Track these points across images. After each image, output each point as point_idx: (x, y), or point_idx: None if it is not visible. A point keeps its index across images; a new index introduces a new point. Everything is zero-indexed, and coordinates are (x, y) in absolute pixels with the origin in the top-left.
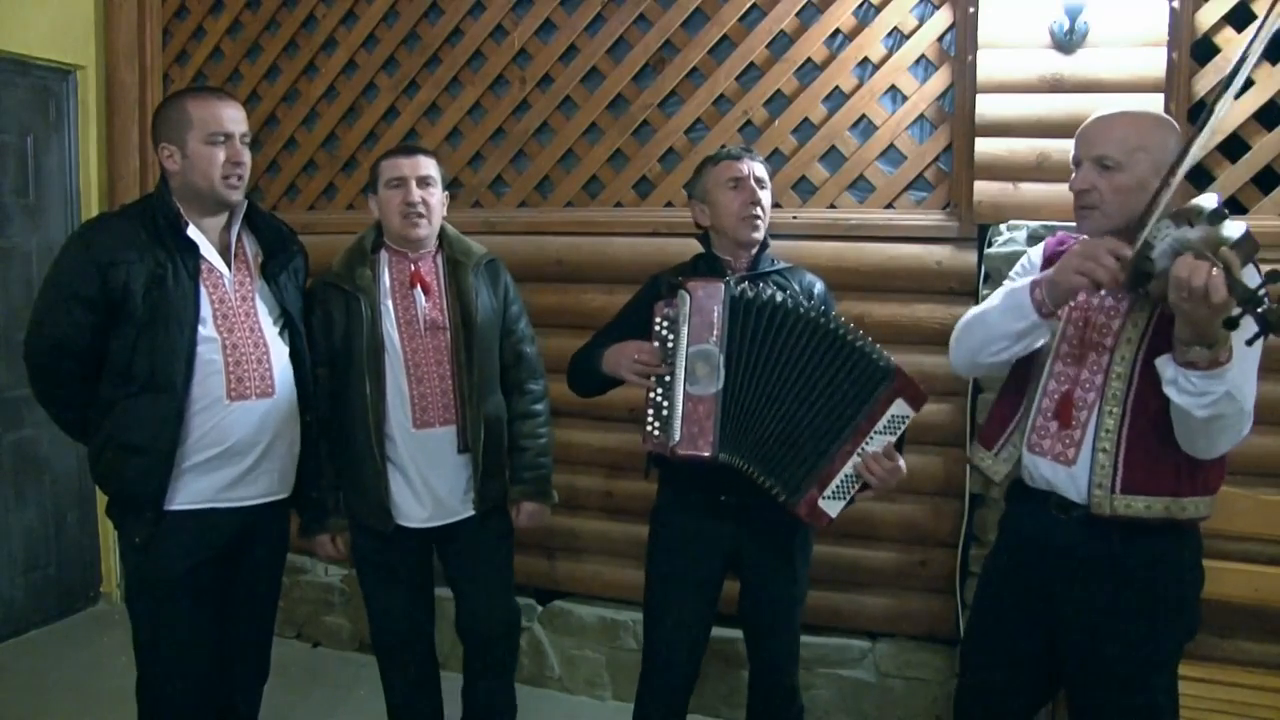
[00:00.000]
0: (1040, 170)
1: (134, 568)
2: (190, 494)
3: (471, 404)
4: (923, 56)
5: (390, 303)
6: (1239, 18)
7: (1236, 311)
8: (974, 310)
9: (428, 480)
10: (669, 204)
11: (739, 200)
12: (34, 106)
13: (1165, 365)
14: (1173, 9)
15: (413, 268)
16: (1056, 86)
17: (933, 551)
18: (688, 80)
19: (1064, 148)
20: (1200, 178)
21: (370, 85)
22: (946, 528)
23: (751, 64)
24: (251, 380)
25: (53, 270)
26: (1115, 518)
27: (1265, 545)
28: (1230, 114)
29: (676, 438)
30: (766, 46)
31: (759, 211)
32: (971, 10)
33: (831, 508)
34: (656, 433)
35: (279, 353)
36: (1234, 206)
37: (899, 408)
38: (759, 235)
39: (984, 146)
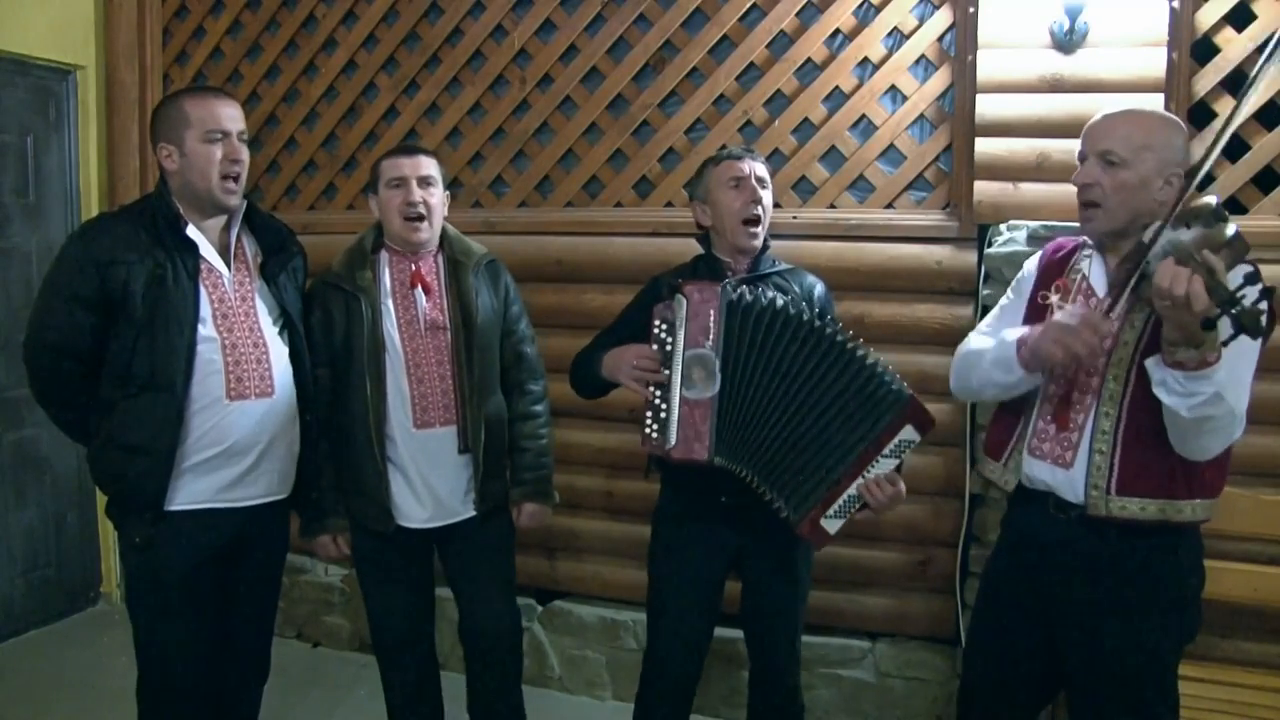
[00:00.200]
0: (1040, 170)
1: (134, 568)
2: (190, 494)
3: (472, 404)
4: (923, 56)
5: (391, 303)
6: (1239, 18)
7: (1215, 313)
8: (970, 344)
9: (428, 481)
10: (669, 204)
11: (740, 200)
12: (34, 106)
13: (1154, 366)
14: (1173, 9)
15: (413, 268)
16: (1056, 86)
17: (933, 551)
18: (688, 80)
19: (1064, 148)
20: (1201, 178)
21: (370, 85)
22: (947, 528)
23: (751, 64)
24: (251, 380)
25: (52, 270)
26: (1111, 519)
27: (1265, 545)
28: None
29: (673, 441)
30: (766, 46)
31: (760, 211)
32: (971, 10)
33: (832, 526)
34: (654, 435)
35: (278, 353)
36: (1234, 206)
37: (907, 432)
38: (757, 244)
39: (984, 146)
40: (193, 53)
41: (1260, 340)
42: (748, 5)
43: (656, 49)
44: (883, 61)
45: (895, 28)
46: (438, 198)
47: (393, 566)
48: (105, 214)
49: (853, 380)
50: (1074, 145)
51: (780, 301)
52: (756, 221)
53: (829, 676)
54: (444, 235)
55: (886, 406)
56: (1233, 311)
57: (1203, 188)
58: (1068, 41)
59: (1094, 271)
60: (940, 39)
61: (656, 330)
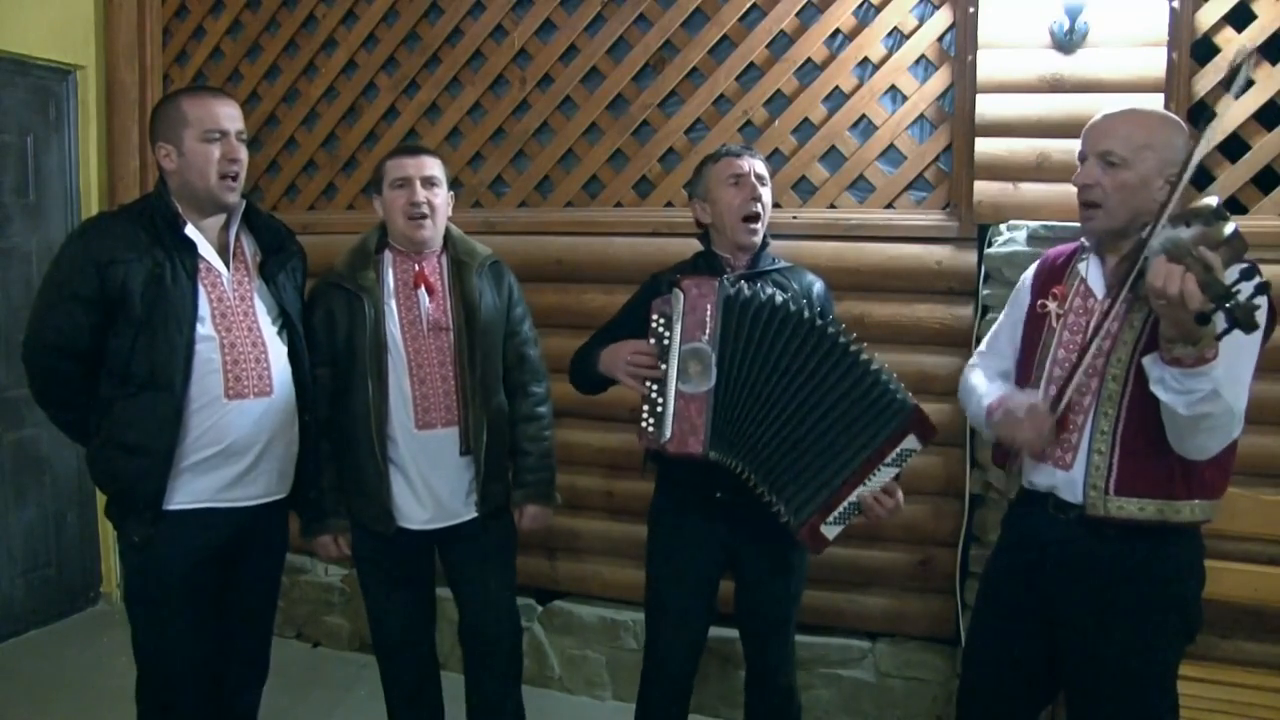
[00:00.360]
0: (1040, 170)
1: (133, 567)
2: (189, 493)
3: (474, 405)
4: (923, 56)
5: (394, 303)
6: (1239, 18)
7: (1210, 308)
8: (969, 377)
9: (429, 482)
10: (669, 204)
11: (740, 197)
12: (34, 106)
13: (1152, 364)
14: (1173, 9)
15: (416, 268)
16: (1056, 86)
17: (933, 551)
18: (688, 80)
19: (1064, 148)
20: (1200, 178)
21: (370, 85)
22: (947, 528)
23: (751, 64)
24: (249, 379)
25: (51, 270)
26: (1110, 519)
27: (1265, 545)
28: (1230, 114)
29: (668, 434)
30: (766, 46)
31: (759, 208)
32: (971, 10)
33: (831, 532)
34: (650, 429)
35: (277, 352)
36: (1234, 206)
37: (909, 442)
38: (757, 240)
39: (984, 146)
40: (193, 53)
41: (1261, 336)
42: (748, 5)
43: (656, 49)
44: (883, 61)
45: (895, 28)
46: (441, 198)
47: (393, 567)
48: (104, 213)
49: (855, 384)
50: (1074, 145)
51: (779, 298)
52: (756, 218)
53: (829, 676)
54: (448, 235)
55: (890, 415)
56: (1227, 306)
57: (1202, 187)
58: (1068, 41)
59: (1091, 273)
60: (940, 39)
61: (654, 325)
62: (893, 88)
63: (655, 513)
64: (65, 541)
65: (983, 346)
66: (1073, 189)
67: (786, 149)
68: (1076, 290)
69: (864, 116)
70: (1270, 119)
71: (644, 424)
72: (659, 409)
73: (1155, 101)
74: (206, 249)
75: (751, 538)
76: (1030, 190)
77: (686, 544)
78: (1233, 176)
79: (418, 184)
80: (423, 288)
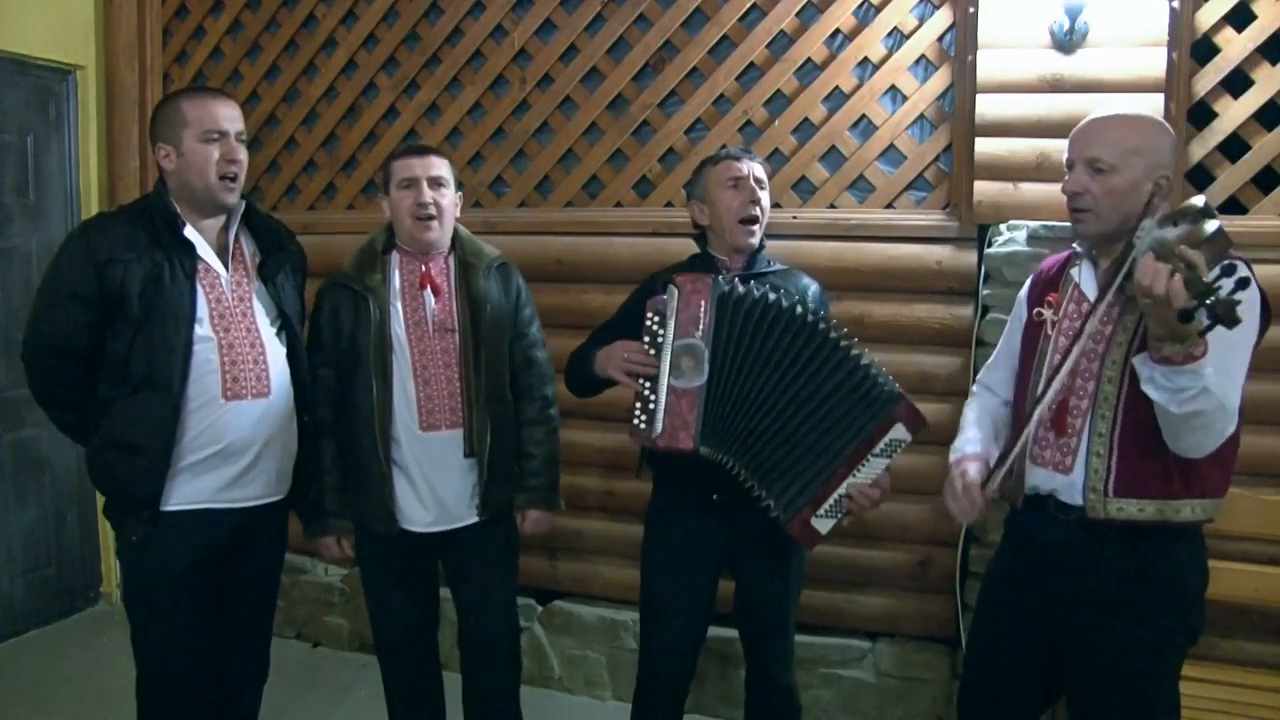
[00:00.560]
0: (1040, 170)
1: (132, 567)
2: (187, 494)
3: (479, 407)
4: (923, 56)
5: (399, 304)
6: (1239, 18)
7: (1192, 305)
8: (967, 406)
9: (432, 484)
10: (669, 204)
11: (739, 199)
12: (34, 106)
13: (1142, 363)
14: (1173, 9)
15: (423, 269)
16: (1056, 86)
17: (933, 551)
18: (688, 80)
19: (1064, 148)
20: (1200, 178)
21: (370, 85)
22: (946, 528)
23: (751, 64)
24: (247, 380)
25: (51, 270)
26: (1110, 520)
27: (1265, 545)
28: (1230, 114)
29: (659, 430)
30: (766, 46)
31: (758, 211)
32: (971, 10)
33: (823, 526)
34: (642, 426)
35: (275, 353)
36: (1234, 206)
37: (897, 432)
38: (755, 242)
39: (984, 146)
40: (193, 53)
41: (1255, 332)
42: (748, 5)
43: (656, 49)
44: (883, 61)
45: (895, 28)
46: (449, 198)
47: (396, 569)
48: (104, 213)
49: (846, 378)
50: None
51: (772, 295)
52: (755, 221)
53: (829, 676)
54: (456, 236)
55: (878, 406)
56: (1208, 302)
57: (1202, 187)
58: (1068, 41)
59: (1084, 278)
60: (940, 39)
61: (649, 322)
62: (893, 88)
63: (652, 513)
64: (65, 541)
65: (988, 363)
66: None
67: (786, 149)
68: (1071, 296)
69: (864, 116)
70: (1270, 119)
71: (636, 420)
72: (651, 405)
73: (1155, 102)
74: (205, 249)
75: (749, 539)
76: (1030, 190)
77: (682, 544)
78: (1233, 176)
79: (424, 184)
80: (428, 288)
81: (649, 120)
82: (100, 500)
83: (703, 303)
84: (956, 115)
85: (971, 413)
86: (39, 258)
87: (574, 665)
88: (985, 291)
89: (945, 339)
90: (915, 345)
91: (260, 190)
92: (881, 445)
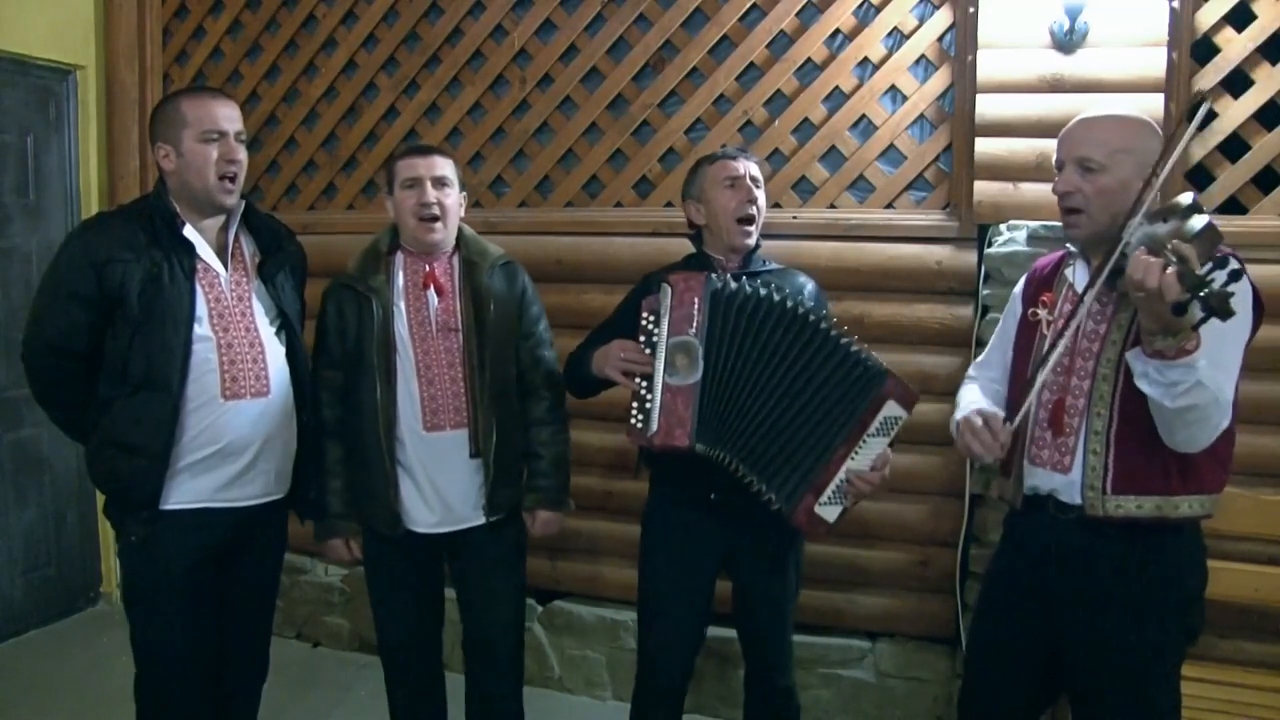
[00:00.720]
0: (1040, 170)
1: (131, 567)
2: (186, 493)
3: (483, 407)
4: (923, 56)
5: (403, 304)
6: (1239, 18)
7: (1185, 298)
8: (961, 391)
9: (437, 485)
10: (669, 204)
11: (735, 199)
12: (34, 106)
13: (1135, 358)
14: (1173, 9)
15: (427, 268)
16: (1056, 86)
17: (933, 551)
18: (688, 80)
19: None
20: (1201, 177)
21: (370, 85)
22: (946, 528)
23: (751, 64)
24: (246, 380)
25: (50, 270)
26: (1110, 518)
27: (1265, 545)
28: (1230, 114)
29: (655, 428)
30: (766, 46)
31: (755, 210)
32: (971, 10)
33: (829, 514)
34: (639, 425)
35: (275, 353)
36: (1234, 206)
37: (891, 409)
38: (751, 241)
39: (984, 146)
40: (193, 53)
41: (1247, 326)
42: (748, 5)
43: (656, 49)
44: (883, 61)
45: (895, 28)
46: (453, 198)
47: (401, 571)
48: (103, 213)
49: (838, 367)
50: None
51: (764, 290)
52: (751, 220)
53: (829, 676)
54: (460, 236)
55: (867, 386)
56: (1201, 295)
57: (1203, 187)
58: (1068, 41)
59: (1078, 277)
60: (940, 39)
61: (644, 322)
62: (893, 88)
63: (650, 513)
64: (65, 541)
65: (979, 359)
66: None
67: (786, 149)
68: (1065, 296)
69: (864, 116)
70: (1270, 119)
71: (633, 419)
72: (648, 404)
73: (1155, 102)
74: (204, 249)
75: (747, 538)
76: (1030, 190)
77: (680, 544)
78: (1233, 176)
79: (428, 184)
80: (431, 288)
81: (649, 120)
82: (100, 500)
83: (696, 300)
84: (956, 115)
85: (969, 392)
86: (39, 258)
87: (574, 665)
88: (985, 291)
89: (945, 339)
90: (915, 345)
91: (260, 190)
92: (876, 425)
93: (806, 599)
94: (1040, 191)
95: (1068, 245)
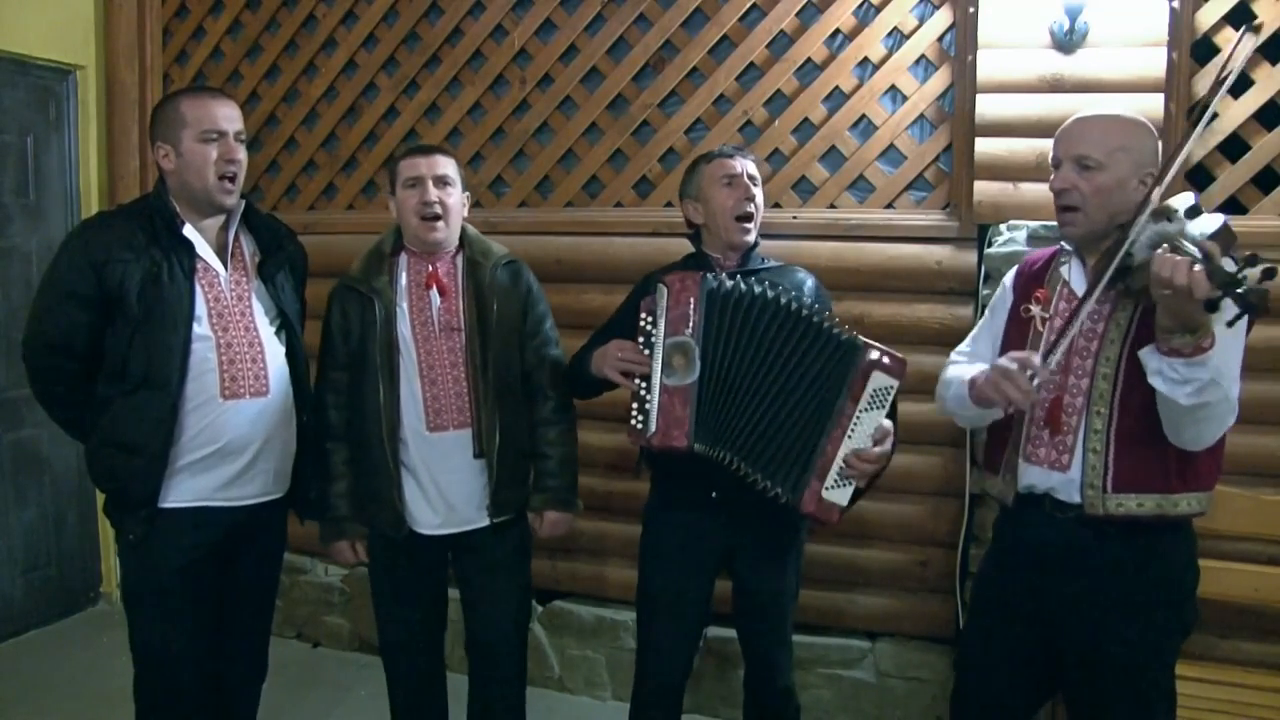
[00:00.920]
0: (1040, 170)
1: (131, 566)
2: (185, 492)
3: (487, 407)
4: (923, 56)
5: (405, 304)
6: (1239, 18)
7: (1217, 295)
8: (948, 371)
9: (440, 485)
10: (669, 204)
11: (734, 197)
12: (34, 106)
13: (1149, 355)
14: (1173, 9)
15: (430, 268)
16: (1056, 86)
17: (933, 551)
18: (688, 80)
19: None
20: (1201, 177)
21: (370, 85)
22: (946, 528)
23: (751, 64)
24: (246, 379)
25: (50, 269)
26: (1109, 517)
27: (1265, 545)
28: (1230, 114)
29: (653, 429)
30: (766, 46)
31: (753, 208)
32: (971, 10)
33: (839, 496)
34: (639, 425)
35: (274, 352)
36: (1234, 206)
37: (878, 380)
38: (750, 239)
39: (984, 146)
40: (193, 53)
41: (1246, 327)
42: (748, 5)
43: (656, 49)
44: (883, 61)
45: (895, 28)
46: (455, 197)
47: (404, 572)
48: (103, 213)
49: (813, 346)
50: None
51: (759, 288)
52: (749, 218)
53: (829, 676)
54: (464, 236)
55: (845, 360)
56: (1238, 292)
57: (1203, 187)
58: (1068, 41)
59: (1074, 275)
60: (940, 39)
61: (642, 322)
62: (893, 88)
63: (650, 512)
64: (65, 541)
65: (963, 348)
66: None
67: (786, 149)
68: (1060, 294)
69: (864, 116)
70: (1270, 119)
71: (633, 420)
72: (647, 406)
73: (1155, 102)
74: (204, 249)
75: (748, 537)
76: (1030, 190)
77: (680, 543)
78: (1233, 176)
79: (430, 183)
80: (434, 288)
81: (649, 120)
82: (100, 499)
83: (692, 300)
84: (956, 115)
85: (959, 370)
86: (39, 258)
87: (574, 665)
88: (985, 291)
89: (945, 339)
90: (915, 345)
91: (260, 190)
92: (867, 398)
93: (806, 599)
94: (1040, 191)
95: (1062, 243)
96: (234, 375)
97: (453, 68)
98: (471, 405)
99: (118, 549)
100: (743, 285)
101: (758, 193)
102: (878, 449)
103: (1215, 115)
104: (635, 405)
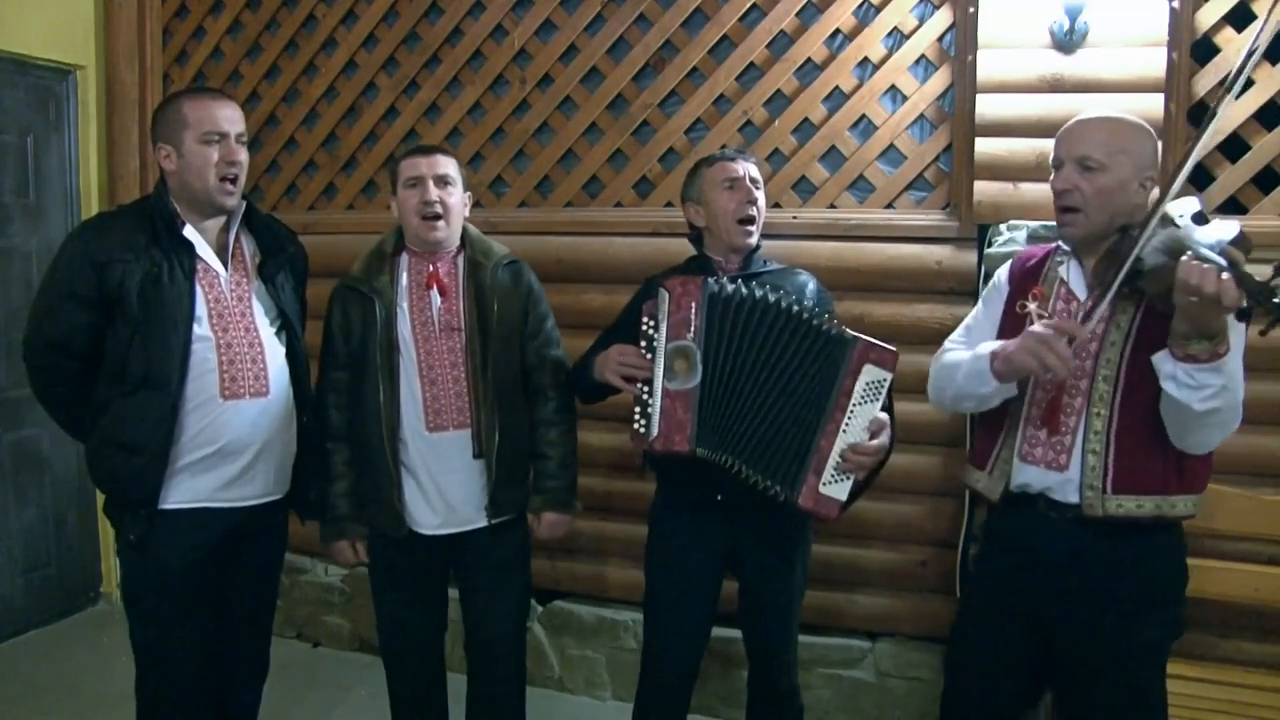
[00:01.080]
0: (1040, 170)
1: (131, 566)
2: (185, 493)
3: (486, 407)
4: (923, 56)
5: (406, 304)
6: (1239, 18)
7: (1246, 303)
8: (944, 357)
9: (440, 486)
10: (669, 204)
11: (735, 200)
12: (34, 106)
13: (1163, 360)
14: (1173, 9)
15: (430, 268)
16: (1056, 86)
17: (933, 551)
18: (688, 80)
19: None
20: (1200, 178)
21: (370, 85)
22: (946, 527)
23: (751, 64)
24: (246, 380)
25: (50, 270)
26: (1108, 518)
27: (1265, 545)
28: (1230, 114)
29: (655, 433)
30: (766, 46)
31: (754, 211)
32: (971, 10)
33: (837, 491)
34: (641, 429)
35: (274, 353)
36: (1234, 207)
37: (870, 373)
38: (752, 241)
39: (984, 146)
40: (193, 53)
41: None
42: (748, 5)
43: (656, 49)
44: (883, 61)
45: (895, 28)
46: (456, 197)
47: (404, 572)
48: (104, 213)
49: (805, 343)
50: None
51: (760, 292)
52: (751, 221)
53: (829, 676)
54: (465, 236)
55: (835, 354)
56: (1274, 301)
57: (1203, 187)
58: (1068, 41)
59: (1072, 276)
60: (940, 39)
61: (644, 326)
62: (893, 88)
63: (655, 513)
64: (65, 541)
65: (956, 337)
66: None
67: (786, 149)
68: (1058, 293)
69: (864, 116)
70: (1270, 119)
71: (635, 424)
72: (649, 410)
73: (1155, 102)
74: (205, 249)
75: (753, 538)
76: (1030, 190)
77: (686, 545)
78: (1233, 176)
79: (430, 183)
80: (434, 288)
81: (649, 120)
82: (100, 499)
83: (693, 304)
84: (956, 115)
85: (956, 353)
86: (39, 258)
87: (574, 665)
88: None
89: (945, 339)
90: (915, 345)
91: (260, 190)
92: (860, 392)
93: (806, 599)
94: (1040, 191)
95: (1059, 243)
96: (234, 376)
97: (453, 68)
98: (471, 406)
99: (118, 549)
100: (744, 289)
101: (759, 195)
102: (874, 442)
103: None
104: (638, 409)
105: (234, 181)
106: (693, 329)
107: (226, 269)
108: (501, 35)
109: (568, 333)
